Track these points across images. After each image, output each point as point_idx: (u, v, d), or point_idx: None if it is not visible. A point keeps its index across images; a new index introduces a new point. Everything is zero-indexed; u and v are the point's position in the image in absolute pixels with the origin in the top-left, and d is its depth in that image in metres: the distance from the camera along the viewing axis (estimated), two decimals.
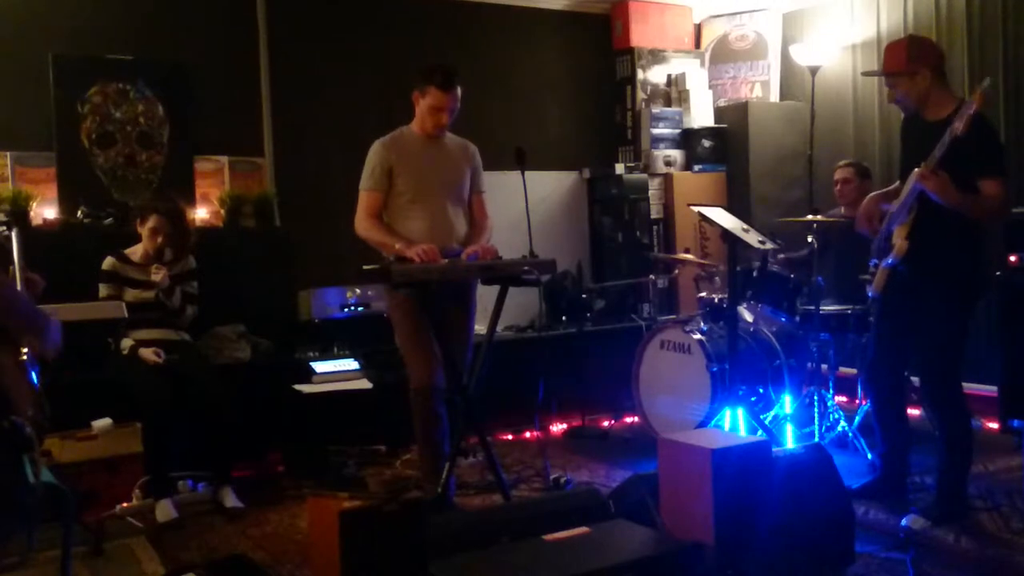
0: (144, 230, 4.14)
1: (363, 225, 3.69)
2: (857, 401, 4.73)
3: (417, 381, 3.64)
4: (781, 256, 4.77)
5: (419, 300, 3.50)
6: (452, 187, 3.78)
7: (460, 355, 3.73)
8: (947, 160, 3.19)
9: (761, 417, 4.33)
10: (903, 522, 3.34)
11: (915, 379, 3.94)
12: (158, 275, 4.07)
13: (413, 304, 3.57)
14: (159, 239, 4.12)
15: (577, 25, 6.37)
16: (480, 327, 4.00)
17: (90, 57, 4.74)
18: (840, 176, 4.97)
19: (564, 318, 5.62)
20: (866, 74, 4.16)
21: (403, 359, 3.72)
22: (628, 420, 5.23)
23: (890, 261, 3.41)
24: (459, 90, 3.65)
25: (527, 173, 3.96)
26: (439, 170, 3.75)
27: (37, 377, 2.60)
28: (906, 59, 3.38)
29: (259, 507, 3.93)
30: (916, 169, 3.26)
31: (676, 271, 5.58)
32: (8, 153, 4.59)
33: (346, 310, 4.94)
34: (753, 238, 4.15)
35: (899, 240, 3.36)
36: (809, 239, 4.49)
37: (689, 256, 5.32)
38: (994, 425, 4.66)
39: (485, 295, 3.88)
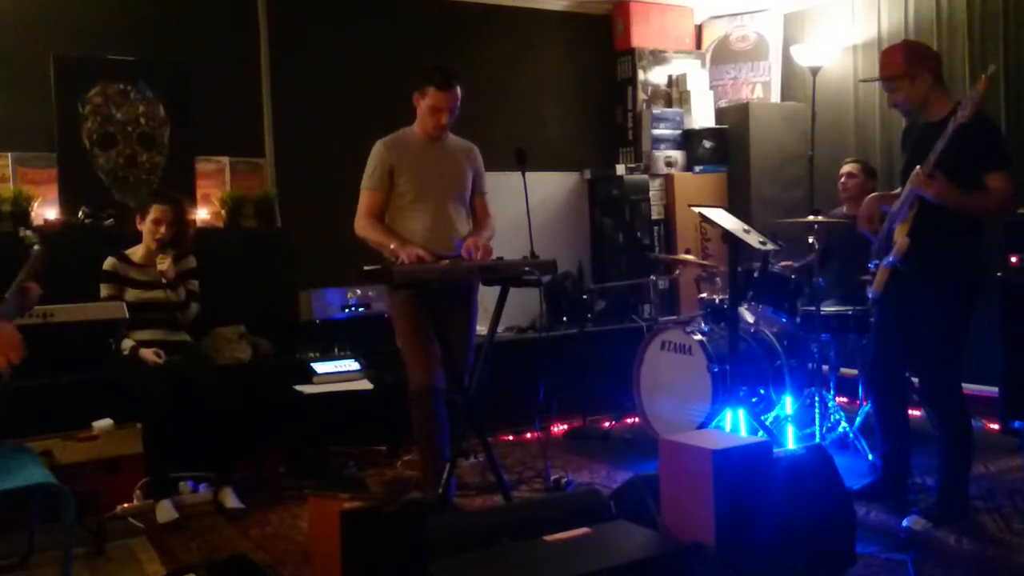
0: (146, 223, 4.12)
1: (361, 224, 3.69)
2: (858, 402, 4.73)
3: (416, 382, 3.64)
4: (787, 263, 4.77)
5: (420, 301, 3.50)
6: (453, 188, 3.78)
7: (461, 356, 3.73)
8: (950, 156, 3.18)
9: (762, 418, 4.33)
10: (904, 523, 3.34)
11: (916, 379, 3.94)
12: (163, 263, 4.06)
13: (414, 305, 3.56)
14: (162, 229, 4.09)
15: (578, 26, 6.37)
16: (481, 328, 4.00)
17: (91, 58, 4.74)
18: (846, 170, 5.00)
19: (565, 319, 5.62)
20: (865, 81, 4.09)
21: (403, 360, 3.72)
22: (629, 421, 5.22)
23: (891, 259, 3.40)
24: (459, 90, 3.65)
25: (528, 174, 3.96)
26: (440, 171, 3.75)
27: None
28: (903, 62, 3.39)
29: (260, 508, 3.93)
30: (915, 169, 3.26)
31: (677, 272, 5.58)
32: (9, 154, 4.59)
33: (347, 311, 4.94)
34: (754, 239, 4.15)
35: (900, 237, 3.36)
36: (810, 240, 4.49)
37: (690, 257, 5.32)
38: (995, 426, 4.66)
39: (486, 296, 3.88)
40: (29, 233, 3.22)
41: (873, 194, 3.72)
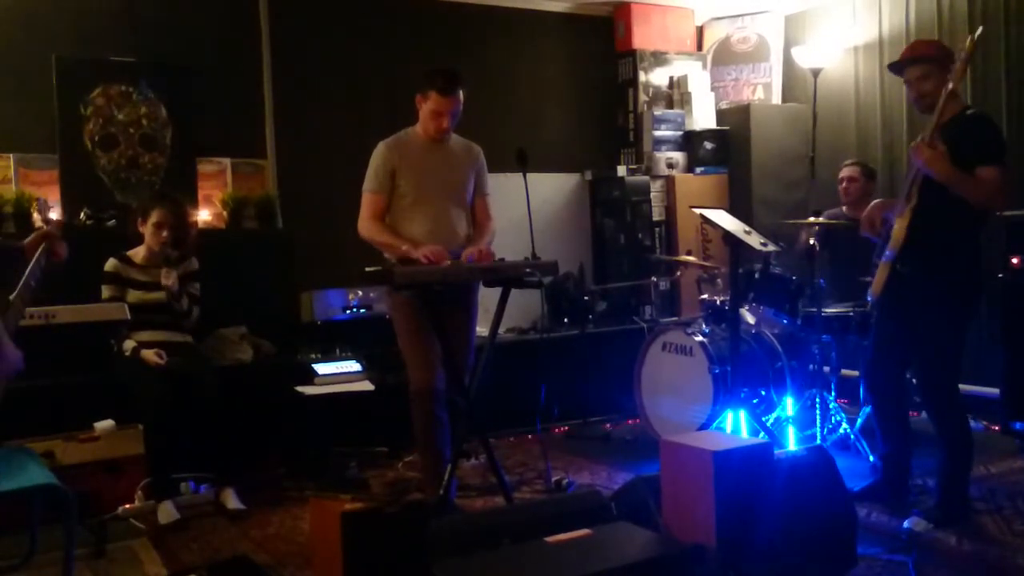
0: (148, 226, 4.13)
1: (366, 226, 3.69)
2: (860, 403, 4.73)
3: (417, 383, 3.64)
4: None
5: (421, 302, 3.50)
6: (455, 189, 3.78)
7: (462, 357, 3.73)
8: (948, 147, 3.21)
9: (763, 419, 4.33)
10: (905, 524, 3.34)
11: (915, 380, 3.93)
12: (168, 279, 4.06)
13: (414, 306, 3.56)
14: (164, 233, 4.10)
15: (579, 27, 6.37)
16: (482, 329, 4.00)
17: (93, 59, 4.75)
18: (846, 174, 4.97)
19: (566, 320, 5.62)
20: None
21: (404, 361, 3.73)
22: (630, 422, 5.23)
23: (889, 254, 3.40)
24: (461, 94, 3.65)
25: (529, 175, 3.96)
26: (442, 172, 3.75)
27: None
28: (937, 50, 3.43)
29: (261, 509, 3.93)
30: (912, 143, 3.28)
31: (678, 273, 5.58)
32: (11, 155, 4.60)
33: (348, 312, 4.94)
34: (755, 240, 4.15)
35: (898, 231, 3.36)
36: (811, 241, 4.49)
37: (691, 258, 5.32)
38: (996, 427, 4.65)
39: (487, 297, 3.88)
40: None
41: (877, 201, 3.69)
